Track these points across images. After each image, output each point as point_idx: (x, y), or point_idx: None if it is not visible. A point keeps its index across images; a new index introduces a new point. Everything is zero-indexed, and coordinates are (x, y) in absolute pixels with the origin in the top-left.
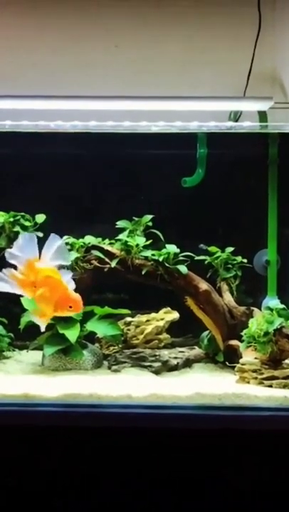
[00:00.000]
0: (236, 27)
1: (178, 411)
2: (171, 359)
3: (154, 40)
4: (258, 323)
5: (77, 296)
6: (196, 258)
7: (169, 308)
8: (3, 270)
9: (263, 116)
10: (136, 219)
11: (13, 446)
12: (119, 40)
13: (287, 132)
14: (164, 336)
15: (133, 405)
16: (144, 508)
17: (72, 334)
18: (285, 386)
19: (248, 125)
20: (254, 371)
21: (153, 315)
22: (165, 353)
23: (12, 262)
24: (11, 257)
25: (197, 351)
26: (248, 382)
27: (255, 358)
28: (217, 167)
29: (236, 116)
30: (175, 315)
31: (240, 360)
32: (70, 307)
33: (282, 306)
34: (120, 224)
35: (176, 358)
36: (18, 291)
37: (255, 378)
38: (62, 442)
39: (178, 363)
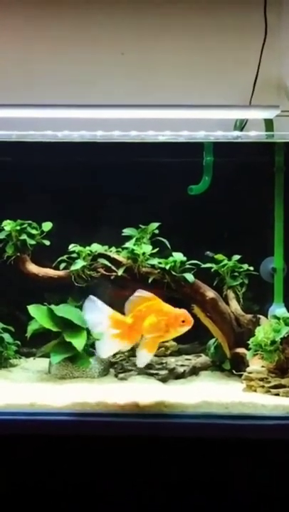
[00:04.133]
0: (242, 34)
1: (185, 420)
2: (177, 367)
3: (160, 49)
4: (264, 331)
5: (182, 310)
6: (203, 266)
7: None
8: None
9: (269, 123)
10: (142, 227)
11: (20, 455)
12: (126, 49)
13: None
14: (171, 343)
15: (140, 414)
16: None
17: (79, 342)
18: None
19: (254, 135)
20: (261, 379)
21: None
22: (172, 361)
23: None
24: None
25: (204, 359)
26: (255, 391)
27: (262, 367)
28: (223, 174)
29: (242, 123)
30: None
31: (247, 369)
32: (183, 322)
33: None
34: (127, 232)
35: (182, 365)
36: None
37: (262, 387)
38: (70, 451)
39: (185, 370)
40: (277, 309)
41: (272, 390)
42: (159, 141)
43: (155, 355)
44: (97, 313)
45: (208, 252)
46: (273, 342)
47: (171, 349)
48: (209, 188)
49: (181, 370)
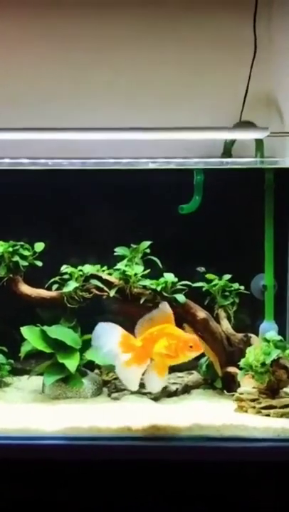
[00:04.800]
0: (232, 50)
1: (177, 443)
2: (170, 385)
3: (150, 64)
4: (255, 353)
5: (193, 336)
6: (194, 285)
7: None
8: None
9: (259, 143)
10: (134, 246)
11: (14, 479)
12: (116, 64)
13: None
14: None
15: (133, 437)
16: None
17: (71, 364)
18: (282, 415)
19: (244, 161)
20: (252, 400)
21: None
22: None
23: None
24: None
25: (196, 376)
26: (246, 411)
27: (253, 388)
28: (214, 193)
29: (232, 142)
30: None
31: (238, 390)
32: (191, 347)
33: (279, 337)
34: (118, 251)
35: (174, 383)
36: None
37: (253, 407)
38: (64, 476)
39: (177, 388)
40: (268, 326)
41: (263, 411)
42: (149, 167)
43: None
44: (108, 338)
45: (199, 268)
46: (263, 364)
47: None
48: (200, 207)
49: (173, 388)
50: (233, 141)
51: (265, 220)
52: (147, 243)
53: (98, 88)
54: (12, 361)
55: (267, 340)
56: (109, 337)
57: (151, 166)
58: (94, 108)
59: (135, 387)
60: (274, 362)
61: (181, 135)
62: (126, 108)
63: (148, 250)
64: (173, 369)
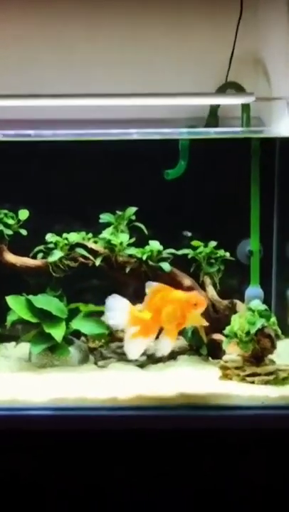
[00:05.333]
0: (218, 10)
1: (163, 412)
2: (156, 351)
3: (134, 26)
4: (239, 322)
5: (193, 293)
6: (179, 253)
7: None
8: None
9: (246, 107)
10: (119, 213)
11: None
12: (97, 28)
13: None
14: None
15: (119, 407)
16: (131, 510)
17: (58, 333)
18: (266, 382)
19: (229, 130)
20: (237, 368)
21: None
22: (150, 345)
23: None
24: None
25: (181, 343)
26: (231, 379)
27: (238, 356)
28: (200, 158)
29: (218, 104)
30: None
31: (223, 358)
32: (195, 305)
33: (264, 306)
34: (104, 217)
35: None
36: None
37: (238, 375)
38: (51, 446)
39: (163, 355)
40: (253, 291)
41: (247, 379)
42: (135, 138)
43: None
44: (118, 311)
45: (185, 232)
46: (248, 333)
47: None
48: (185, 172)
49: (159, 354)
50: (217, 107)
51: (252, 185)
52: (133, 209)
53: (78, 51)
54: None
55: (252, 310)
56: (118, 310)
57: (136, 136)
58: (74, 74)
59: (135, 357)
60: (259, 331)
61: (166, 101)
62: (108, 72)
63: (133, 217)
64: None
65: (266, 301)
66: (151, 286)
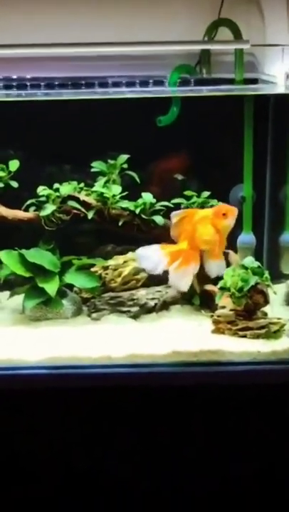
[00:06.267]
0: None
1: (156, 369)
2: (148, 301)
3: None
4: (232, 279)
5: (220, 204)
6: (172, 202)
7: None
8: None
9: (240, 52)
10: (111, 162)
11: None
12: None
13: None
14: (142, 275)
15: (113, 365)
16: (126, 467)
17: (51, 288)
18: (258, 336)
19: (222, 88)
20: (229, 322)
21: (130, 255)
22: (143, 294)
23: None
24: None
25: (174, 292)
26: (223, 333)
27: (231, 310)
28: (192, 103)
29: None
30: None
31: (216, 312)
32: (224, 214)
33: (257, 263)
34: (96, 166)
35: (153, 298)
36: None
37: (230, 329)
38: (46, 405)
39: (156, 304)
40: (246, 238)
41: (239, 333)
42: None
43: (127, 289)
44: (152, 257)
45: (177, 175)
46: (241, 289)
47: (142, 280)
48: (178, 119)
49: (151, 303)
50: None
51: (245, 130)
52: (125, 157)
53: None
54: None
55: (245, 267)
56: (151, 256)
57: (128, 95)
58: (57, 18)
59: (185, 288)
60: (252, 287)
61: (156, 48)
62: (97, 13)
63: (125, 165)
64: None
65: (258, 247)
66: (176, 215)
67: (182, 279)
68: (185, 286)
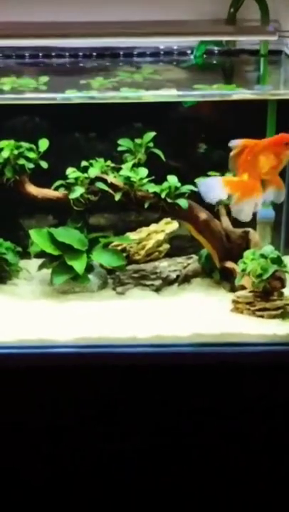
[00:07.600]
0: None
1: (178, 349)
2: (170, 273)
3: None
4: (252, 268)
5: (280, 135)
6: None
7: (169, 219)
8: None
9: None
10: (137, 141)
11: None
12: None
13: None
14: (164, 246)
15: (137, 345)
16: (151, 444)
17: (79, 266)
18: (274, 317)
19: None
20: (247, 303)
21: (153, 227)
22: (165, 266)
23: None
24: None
25: (195, 266)
26: (242, 313)
27: (250, 292)
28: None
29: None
30: (175, 225)
31: (236, 294)
32: (287, 144)
33: (277, 253)
34: (122, 143)
35: (175, 270)
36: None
37: (248, 309)
38: (73, 383)
39: (178, 276)
40: (266, 212)
41: (257, 313)
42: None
43: (150, 260)
44: (213, 188)
45: (200, 144)
46: (260, 276)
47: (164, 252)
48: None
49: (173, 275)
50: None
51: (269, 107)
52: (151, 135)
53: None
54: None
55: (264, 257)
56: (212, 187)
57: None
58: None
59: (247, 219)
60: (270, 276)
61: (178, 39)
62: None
63: (151, 144)
64: (172, 254)
65: (277, 220)
66: (235, 146)
67: (243, 212)
68: (247, 218)
